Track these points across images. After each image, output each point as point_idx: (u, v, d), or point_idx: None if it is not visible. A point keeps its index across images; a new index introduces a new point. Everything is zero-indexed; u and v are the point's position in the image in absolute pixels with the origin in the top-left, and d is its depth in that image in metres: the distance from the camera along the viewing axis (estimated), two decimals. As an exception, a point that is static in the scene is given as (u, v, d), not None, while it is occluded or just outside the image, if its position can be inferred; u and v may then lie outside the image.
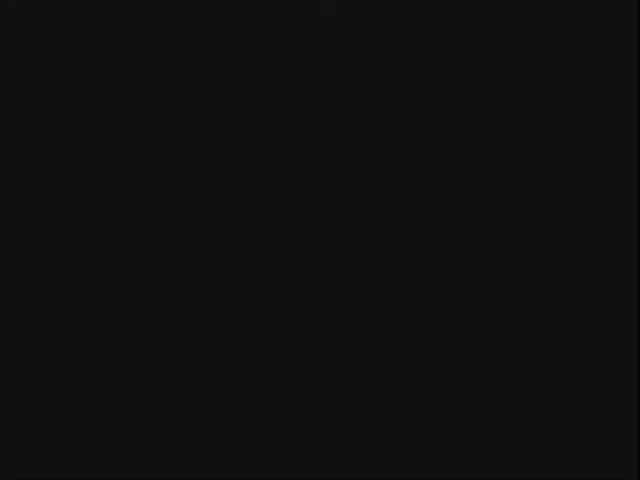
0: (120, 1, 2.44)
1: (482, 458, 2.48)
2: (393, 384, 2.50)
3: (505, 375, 2.50)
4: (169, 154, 2.46)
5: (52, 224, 2.43)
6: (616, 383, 2.51)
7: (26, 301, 2.45)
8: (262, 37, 2.46)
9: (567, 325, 2.49)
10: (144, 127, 2.46)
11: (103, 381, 2.45)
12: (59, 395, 2.47)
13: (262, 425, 2.47)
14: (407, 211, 2.47)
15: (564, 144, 2.50)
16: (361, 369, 2.48)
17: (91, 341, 2.45)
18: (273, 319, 2.46)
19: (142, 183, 2.44)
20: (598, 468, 2.48)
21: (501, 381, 2.50)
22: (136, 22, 2.47)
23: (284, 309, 2.45)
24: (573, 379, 2.50)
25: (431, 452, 2.49)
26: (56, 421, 2.45)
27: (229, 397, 2.47)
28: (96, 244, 2.45)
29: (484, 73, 2.47)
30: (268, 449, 2.47)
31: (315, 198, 2.47)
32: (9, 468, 2.45)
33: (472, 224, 2.51)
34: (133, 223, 2.44)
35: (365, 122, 2.47)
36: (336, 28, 2.50)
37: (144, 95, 2.46)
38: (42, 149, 2.45)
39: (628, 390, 2.51)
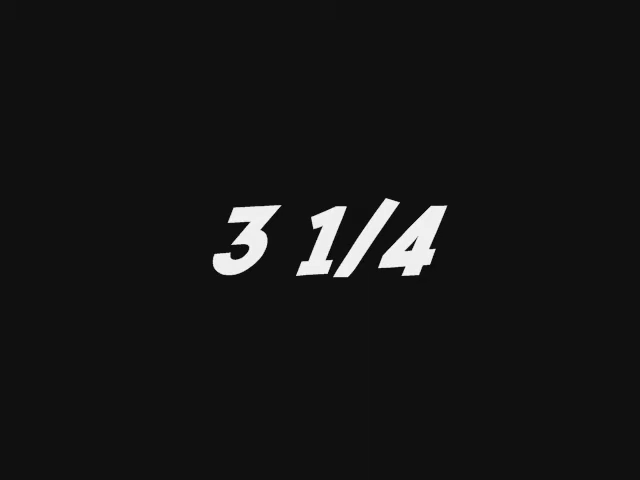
0: (120, 18, 2.50)
1: (483, 459, 2.51)
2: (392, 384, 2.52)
3: (505, 375, 2.53)
4: (168, 154, 2.49)
5: (51, 223, 2.47)
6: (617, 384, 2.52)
7: (25, 300, 2.49)
8: (261, 40, 2.50)
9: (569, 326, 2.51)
10: (144, 129, 2.50)
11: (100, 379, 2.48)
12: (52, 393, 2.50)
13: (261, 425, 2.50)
14: (408, 209, 2.51)
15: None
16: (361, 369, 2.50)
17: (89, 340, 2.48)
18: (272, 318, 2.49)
19: (141, 183, 2.48)
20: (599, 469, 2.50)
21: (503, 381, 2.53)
22: (135, 25, 2.52)
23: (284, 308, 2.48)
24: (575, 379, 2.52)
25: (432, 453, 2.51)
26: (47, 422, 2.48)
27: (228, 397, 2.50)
28: (94, 243, 2.49)
29: (486, 75, 2.51)
30: (268, 449, 2.50)
31: (314, 199, 2.51)
32: (9, 468, 2.49)
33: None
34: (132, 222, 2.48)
35: (365, 124, 2.50)
36: (336, 31, 2.54)
37: (143, 96, 2.50)
38: (42, 150, 2.49)
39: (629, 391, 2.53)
